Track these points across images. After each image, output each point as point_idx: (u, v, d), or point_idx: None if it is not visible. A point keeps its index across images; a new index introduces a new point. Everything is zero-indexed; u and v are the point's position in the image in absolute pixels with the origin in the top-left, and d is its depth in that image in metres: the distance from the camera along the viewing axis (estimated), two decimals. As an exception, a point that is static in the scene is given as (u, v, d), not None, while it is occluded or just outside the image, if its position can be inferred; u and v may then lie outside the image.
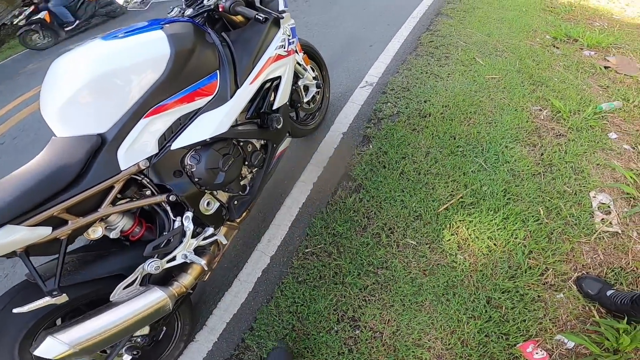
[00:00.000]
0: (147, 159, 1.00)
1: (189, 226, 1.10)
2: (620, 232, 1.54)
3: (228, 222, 1.36)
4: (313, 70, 2.06)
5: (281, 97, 1.47)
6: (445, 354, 1.29)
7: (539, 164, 1.84)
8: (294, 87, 1.79)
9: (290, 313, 1.47)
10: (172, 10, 1.42)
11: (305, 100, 1.98)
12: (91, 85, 0.92)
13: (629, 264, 1.44)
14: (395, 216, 1.72)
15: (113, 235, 1.05)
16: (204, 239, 1.20)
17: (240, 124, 1.34)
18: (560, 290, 1.39)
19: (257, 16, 1.21)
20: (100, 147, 0.93)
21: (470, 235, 1.60)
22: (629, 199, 1.67)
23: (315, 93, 2.13)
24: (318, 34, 3.52)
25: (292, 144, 1.98)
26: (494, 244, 1.56)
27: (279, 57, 1.42)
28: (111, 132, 0.95)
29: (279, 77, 1.45)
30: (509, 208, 1.67)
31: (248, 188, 1.45)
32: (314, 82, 1.97)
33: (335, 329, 1.40)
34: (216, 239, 1.27)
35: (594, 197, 1.68)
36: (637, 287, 1.38)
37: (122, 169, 0.96)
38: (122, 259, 1.05)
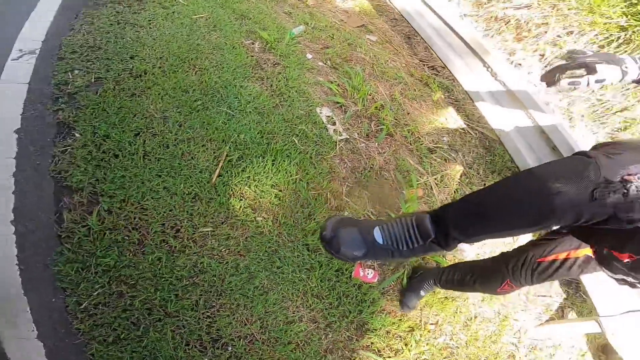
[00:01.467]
0: None
1: None
2: (348, 137, 1.91)
3: None
4: None
5: None
6: (314, 315, 1.29)
7: (273, 95, 1.93)
8: None
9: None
10: None
11: None
12: None
13: (365, 162, 1.83)
14: (169, 210, 1.38)
15: None
16: None
17: None
18: (344, 210, 1.61)
19: None
20: None
21: (255, 192, 1.53)
22: (341, 107, 2.07)
23: None
24: None
25: None
26: (280, 191, 1.57)
27: None
28: None
29: None
30: (271, 148, 1.70)
31: None
32: None
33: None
34: None
35: (321, 112, 1.98)
36: (392, 182, 1.80)
37: None
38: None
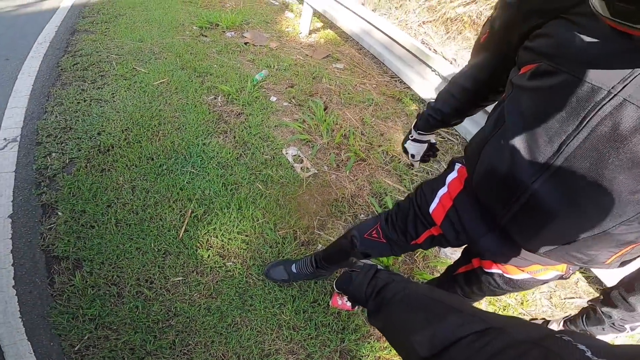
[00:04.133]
0: None
1: None
2: (317, 171, 1.92)
3: None
4: None
5: None
6: (292, 347, 1.33)
7: (236, 146, 1.99)
8: None
9: None
10: None
11: None
12: None
13: (336, 193, 1.83)
14: (142, 266, 1.50)
15: None
16: None
17: None
18: (316, 243, 1.62)
19: None
20: None
21: (222, 240, 1.60)
22: (307, 143, 2.09)
23: None
24: None
25: None
26: (246, 236, 1.63)
27: None
28: None
29: None
30: (236, 198, 1.75)
31: None
32: None
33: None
34: None
35: (287, 153, 2.00)
36: (366, 208, 1.79)
37: None
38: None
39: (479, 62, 0.84)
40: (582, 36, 0.55)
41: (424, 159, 1.16)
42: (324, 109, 2.30)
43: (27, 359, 1.28)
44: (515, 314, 1.56)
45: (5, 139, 1.96)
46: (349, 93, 2.57)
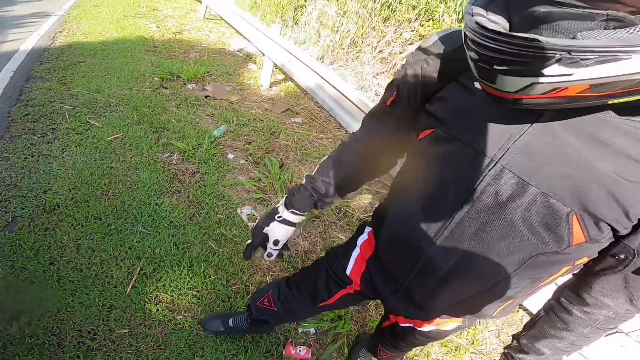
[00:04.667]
0: None
1: None
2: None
3: None
4: None
5: None
6: None
7: (190, 206, 2.02)
8: None
9: None
10: None
11: None
12: None
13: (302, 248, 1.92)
14: (85, 319, 1.47)
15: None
16: None
17: None
18: None
19: None
20: None
21: (172, 296, 1.60)
22: (262, 201, 2.17)
23: None
24: None
25: None
26: (197, 292, 1.64)
27: None
28: None
29: None
30: (187, 256, 1.76)
31: None
32: None
33: None
34: None
35: (241, 212, 2.07)
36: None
37: None
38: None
39: (377, 127, 0.80)
40: (471, 101, 0.56)
41: (281, 252, 0.96)
42: (280, 167, 2.42)
43: None
44: (467, 354, 1.68)
45: (-61, 199, 1.85)
46: (305, 149, 2.72)
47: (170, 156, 2.33)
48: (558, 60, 0.38)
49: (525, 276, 0.61)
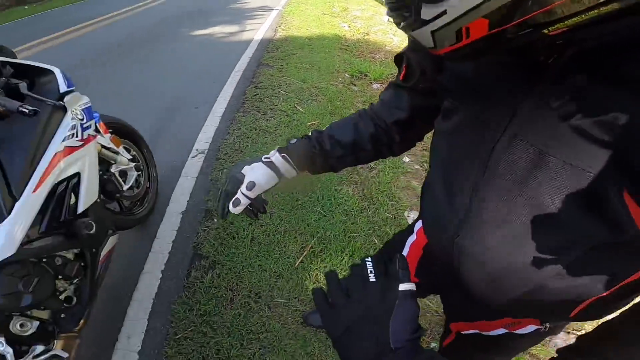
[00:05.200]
0: None
1: (7, 350, 1.00)
2: (429, 240, 1.96)
3: (63, 335, 1.20)
4: (128, 151, 1.90)
5: (86, 198, 1.26)
6: None
7: (363, 198, 2.17)
8: (106, 177, 1.62)
9: None
10: None
11: (125, 187, 1.80)
12: None
13: None
14: (257, 281, 1.76)
15: None
16: (35, 357, 1.09)
17: (36, 239, 1.10)
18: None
19: (20, 109, 1.00)
20: None
21: None
22: (429, 209, 2.13)
23: (138, 176, 1.95)
24: (133, 103, 3.24)
25: (126, 234, 1.82)
26: None
27: (70, 150, 1.21)
28: None
29: (78, 174, 1.24)
30: (351, 245, 1.92)
31: (74, 299, 1.25)
32: (132, 164, 1.81)
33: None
34: (53, 354, 1.14)
35: (409, 216, 2.09)
36: None
37: None
38: None
39: (394, 101, 0.71)
40: (469, 65, 0.51)
41: (255, 208, 0.77)
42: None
43: (137, 337, 1.55)
44: None
45: (197, 149, 2.61)
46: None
47: (354, 149, 2.55)
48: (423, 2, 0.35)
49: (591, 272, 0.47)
